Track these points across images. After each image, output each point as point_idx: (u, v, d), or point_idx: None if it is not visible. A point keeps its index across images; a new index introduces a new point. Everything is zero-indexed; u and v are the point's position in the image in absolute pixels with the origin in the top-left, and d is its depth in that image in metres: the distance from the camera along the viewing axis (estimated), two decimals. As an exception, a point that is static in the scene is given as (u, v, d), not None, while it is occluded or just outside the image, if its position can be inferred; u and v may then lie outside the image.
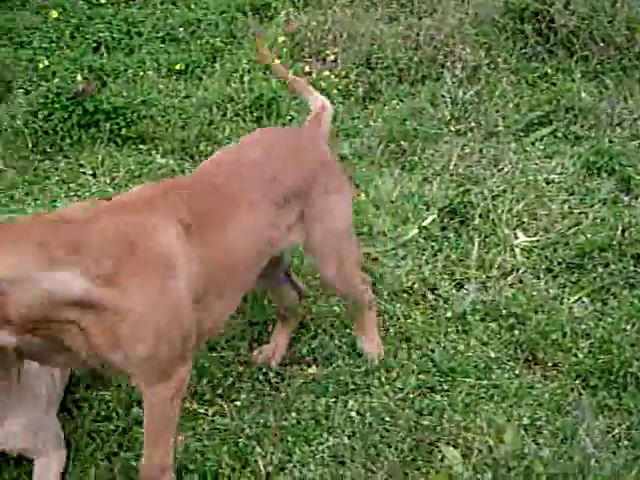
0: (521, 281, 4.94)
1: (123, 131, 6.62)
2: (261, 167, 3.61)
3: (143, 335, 3.00)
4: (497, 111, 6.82)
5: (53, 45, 8.07)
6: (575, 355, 4.29)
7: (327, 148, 4.00)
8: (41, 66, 7.58)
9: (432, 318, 4.58)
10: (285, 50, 7.64)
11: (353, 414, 3.85)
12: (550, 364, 4.30)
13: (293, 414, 3.86)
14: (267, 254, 3.65)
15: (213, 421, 3.90)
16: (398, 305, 4.60)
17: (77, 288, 2.86)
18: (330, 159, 3.96)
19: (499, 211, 5.57)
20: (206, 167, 3.74)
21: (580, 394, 4.05)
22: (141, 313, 2.99)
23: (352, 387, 4.04)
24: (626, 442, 3.71)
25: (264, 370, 4.19)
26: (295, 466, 3.59)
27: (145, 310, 2.99)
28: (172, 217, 3.17)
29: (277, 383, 4.13)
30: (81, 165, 6.41)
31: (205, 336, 3.48)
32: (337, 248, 3.94)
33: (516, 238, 5.33)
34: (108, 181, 6.19)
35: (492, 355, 4.30)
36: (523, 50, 7.66)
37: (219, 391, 4.08)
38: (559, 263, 5.08)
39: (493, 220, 5.47)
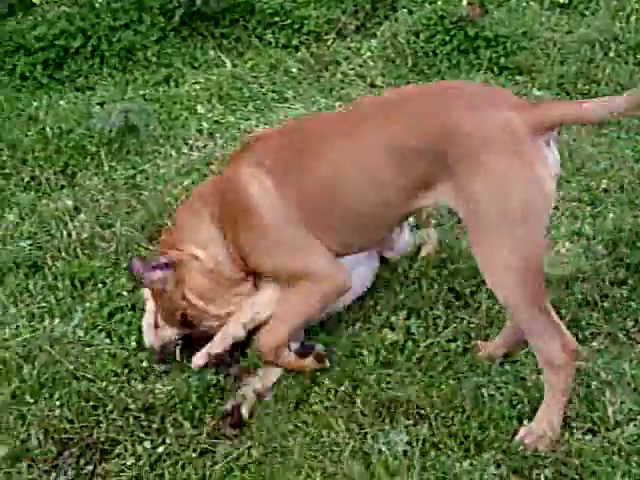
0: None
1: (502, 60, 6.61)
2: (399, 112, 3.51)
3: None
4: None
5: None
6: None
7: (496, 124, 3.31)
8: (428, -12, 7.71)
9: None
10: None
11: None
12: None
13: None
14: (392, 203, 3.58)
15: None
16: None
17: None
18: (493, 135, 3.29)
19: None
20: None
21: None
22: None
23: None
24: None
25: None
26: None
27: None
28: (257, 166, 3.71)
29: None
30: (456, 90, 6.47)
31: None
32: (483, 235, 3.35)
33: None
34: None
35: None
36: None
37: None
38: None
39: None
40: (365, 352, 3.91)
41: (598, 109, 3.24)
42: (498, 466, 3.42)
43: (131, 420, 3.69)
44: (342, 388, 3.74)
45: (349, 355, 3.92)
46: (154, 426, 3.66)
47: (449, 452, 3.48)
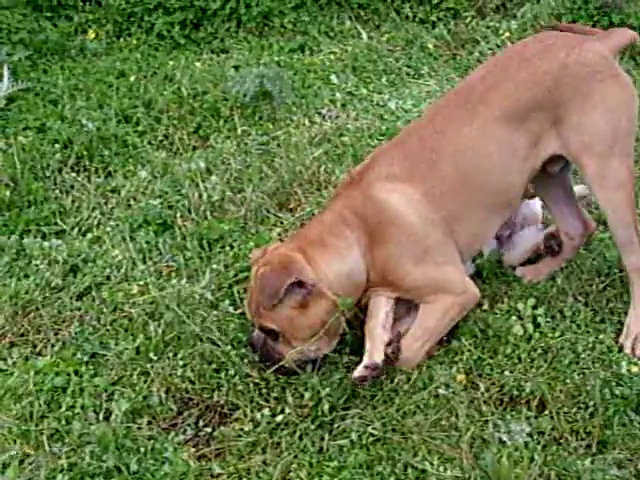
0: None
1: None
2: (488, 85, 3.79)
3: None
4: None
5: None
6: None
7: (594, 55, 3.76)
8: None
9: None
10: None
11: None
12: None
13: None
14: (514, 168, 3.77)
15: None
16: None
17: None
18: (596, 64, 3.73)
19: None
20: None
21: None
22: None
23: None
24: None
25: None
26: None
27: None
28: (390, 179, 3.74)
29: None
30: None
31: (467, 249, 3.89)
32: (597, 157, 3.73)
33: None
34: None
35: None
36: None
37: None
38: None
39: None
40: (491, 340, 3.84)
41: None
42: (620, 467, 3.33)
43: (251, 386, 3.70)
44: (465, 375, 3.68)
45: (475, 343, 3.84)
46: (273, 394, 3.67)
47: (570, 448, 3.40)
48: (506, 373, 3.70)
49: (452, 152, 3.74)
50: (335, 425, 3.52)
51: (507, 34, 6.79)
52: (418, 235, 3.69)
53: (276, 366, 3.67)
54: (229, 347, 3.83)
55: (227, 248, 4.48)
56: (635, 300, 3.89)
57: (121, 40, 7.14)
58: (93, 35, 7.17)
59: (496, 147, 3.73)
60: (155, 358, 3.80)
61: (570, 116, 3.70)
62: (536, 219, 4.40)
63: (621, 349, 3.80)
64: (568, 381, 3.64)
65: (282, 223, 4.73)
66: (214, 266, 4.34)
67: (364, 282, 3.75)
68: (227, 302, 4.11)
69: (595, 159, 3.70)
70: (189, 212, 4.78)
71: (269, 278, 3.58)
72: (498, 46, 6.62)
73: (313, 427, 3.52)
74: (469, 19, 7.12)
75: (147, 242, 4.55)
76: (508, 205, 3.89)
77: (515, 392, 3.62)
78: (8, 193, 4.94)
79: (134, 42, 7.04)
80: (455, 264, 3.79)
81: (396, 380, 3.68)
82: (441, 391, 3.62)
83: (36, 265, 4.40)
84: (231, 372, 3.74)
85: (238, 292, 4.17)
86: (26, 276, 4.35)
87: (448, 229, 3.73)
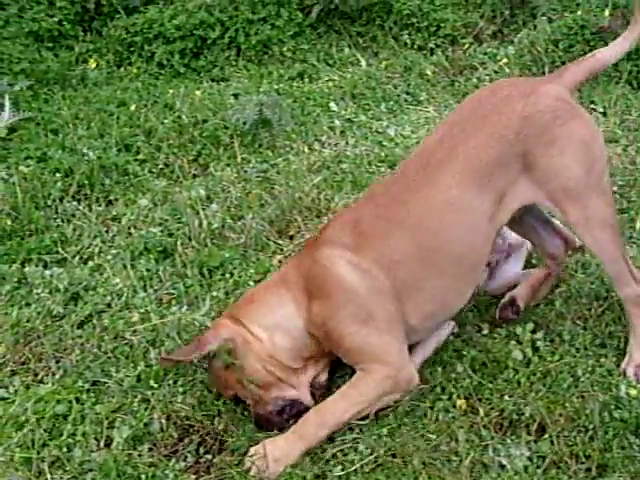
0: None
1: (643, 74, 6.47)
2: (452, 144, 3.65)
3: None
4: None
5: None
6: None
7: (554, 98, 3.62)
8: (567, -4, 7.59)
9: None
10: None
11: None
12: None
13: None
14: (483, 229, 3.66)
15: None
16: None
17: None
18: (554, 108, 3.59)
19: None
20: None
21: None
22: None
23: None
24: None
25: None
26: None
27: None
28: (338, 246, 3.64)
29: None
30: (593, 102, 6.35)
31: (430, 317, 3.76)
32: (576, 201, 3.62)
33: None
34: (618, 122, 6.09)
35: None
36: None
37: None
38: None
39: None
40: (490, 365, 3.85)
41: (611, 52, 3.77)
42: (621, 491, 3.34)
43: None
44: (465, 400, 3.69)
45: (474, 368, 3.85)
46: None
47: (570, 472, 3.41)
48: (505, 397, 3.70)
49: (408, 221, 3.62)
50: (334, 451, 3.52)
51: (504, 60, 6.84)
52: (362, 300, 3.57)
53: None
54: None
55: (227, 275, 4.51)
56: (636, 328, 3.86)
57: (122, 69, 7.21)
58: (94, 64, 7.23)
59: (458, 214, 3.59)
60: (156, 385, 3.81)
61: (539, 164, 3.57)
62: (521, 244, 4.39)
63: (624, 374, 3.79)
64: (567, 405, 3.64)
65: (282, 250, 4.76)
66: (214, 293, 4.36)
67: (304, 337, 3.69)
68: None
69: (575, 203, 3.59)
70: (189, 240, 4.81)
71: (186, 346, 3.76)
72: (496, 72, 6.67)
73: (312, 454, 3.52)
74: (467, 45, 7.18)
75: (148, 270, 4.57)
76: (475, 268, 3.76)
77: (515, 416, 3.62)
78: (9, 222, 4.98)
79: (134, 71, 7.11)
80: (398, 338, 3.65)
81: (397, 406, 3.68)
82: (441, 416, 3.62)
83: (37, 293, 4.42)
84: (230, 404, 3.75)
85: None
86: (27, 304, 4.38)
87: (397, 300, 3.62)
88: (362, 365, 3.61)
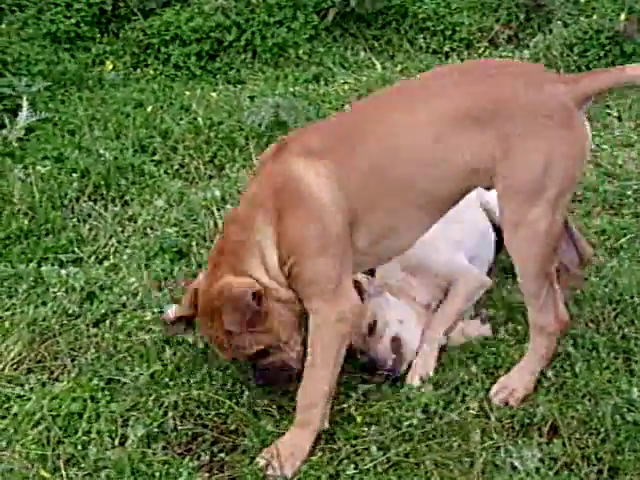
0: None
1: (658, 79, 6.46)
2: (443, 84, 3.57)
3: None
4: None
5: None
6: None
7: (555, 100, 3.46)
8: (582, 0, 7.60)
9: None
10: None
11: None
12: None
13: None
14: (447, 177, 3.54)
15: None
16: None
17: None
18: (548, 107, 3.44)
19: None
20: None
21: None
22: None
23: None
24: None
25: None
26: None
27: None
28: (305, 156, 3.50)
29: None
30: (608, 106, 6.37)
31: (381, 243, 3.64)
32: (519, 202, 3.48)
33: None
34: (633, 126, 6.11)
35: None
36: None
37: None
38: None
39: None
40: (503, 368, 3.87)
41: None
42: (632, 493, 3.35)
43: (263, 413, 3.75)
44: (478, 403, 3.71)
45: (486, 370, 3.87)
46: (284, 422, 3.69)
47: (582, 474, 3.41)
48: (518, 399, 3.71)
49: (380, 142, 3.52)
50: (348, 451, 3.53)
51: (520, 64, 6.84)
52: (325, 220, 3.47)
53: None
54: (243, 374, 3.85)
55: (242, 275, 4.51)
56: (524, 358, 3.78)
57: (138, 71, 7.27)
58: (111, 66, 7.28)
59: (419, 144, 3.51)
60: (170, 384, 3.83)
61: (508, 152, 3.44)
62: None
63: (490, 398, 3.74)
64: (579, 407, 3.64)
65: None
66: (229, 293, 4.37)
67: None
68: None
69: (515, 204, 3.48)
70: (204, 240, 4.84)
71: (231, 314, 3.48)
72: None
73: (326, 454, 3.54)
74: (482, 49, 7.21)
75: (163, 270, 4.60)
76: (431, 202, 3.62)
77: (527, 419, 3.63)
78: (27, 222, 5.02)
79: (151, 73, 7.16)
80: (347, 272, 3.56)
81: (410, 406, 3.69)
82: (454, 417, 3.63)
83: (53, 292, 4.46)
84: (244, 398, 3.76)
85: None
86: (44, 303, 4.41)
87: (350, 225, 3.52)
88: (313, 303, 3.52)
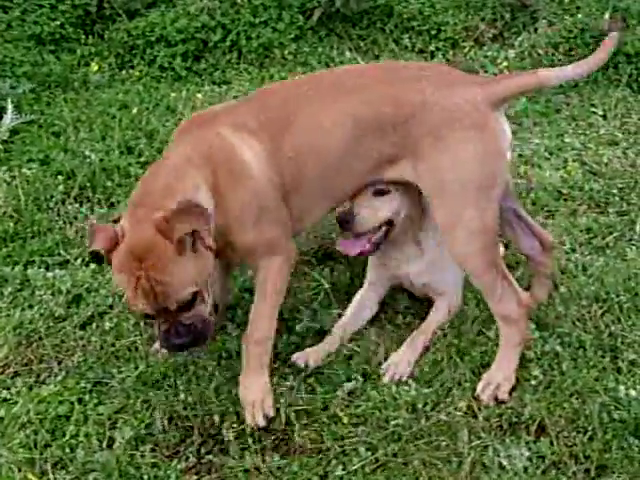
0: None
1: (642, 77, 6.51)
2: (356, 84, 3.68)
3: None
4: None
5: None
6: None
7: (467, 102, 3.55)
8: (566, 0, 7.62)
9: None
10: None
11: None
12: None
13: None
14: (355, 169, 3.70)
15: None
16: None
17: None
18: (460, 110, 3.53)
19: None
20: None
21: None
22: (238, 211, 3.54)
23: None
24: None
25: None
26: None
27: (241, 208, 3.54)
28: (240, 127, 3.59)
29: None
30: (593, 105, 6.39)
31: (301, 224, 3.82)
32: (448, 205, 3.60)
33: None
34: (618, 125, 6.13)
35: None
36: None
37: None
38: None
39: None
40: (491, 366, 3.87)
41: (554, 75, 3.59)
42: (620, 491, 3.36)
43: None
44: (466, 402, 3.72)
45: (474, 369, 3.88)
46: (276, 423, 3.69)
47: (570, 473, 3.42)
48: (505, 398, 3.72)
49: (307, 122, 3.65)
50: (337, 451, 3.54)
51: (505, 63, 6.88)
52: (258, 192, 3.57)
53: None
54: (229, 372, 3.85)
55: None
56: (500, 351, 3.83)
57: (123, 72, 7.24)
58: (96, 67, 7.25)
59: (333, 138, 3.63)
60: (157, 385, 3.83)
61: (423, 155, 3.57)
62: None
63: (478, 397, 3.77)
64: (567, 406, 3.66)
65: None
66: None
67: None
68: (230, 325, 4.17)
69: (445, 208, 3.60)
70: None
71: (185, 216, 3.34)
72: (496, 75, 6.68)
73: (314, 455, 3.54)
74: (467, 49, 7.21)
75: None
76: (338, 195, 3.83)
77: (514, 418, 3.64)
78: (12, 224, 5.01)
79: (136, 74, 7.14)
80: (286, 226, 3.72)
81: (397, 406, 3.70)
82: (442, 417, 3.64)
83: (40, 295, 4.45)
84: (230, 399, 3.76)
85: (240, 314, 4.21)
86: (30, 306, 4.40)
87: (284, 192, 3.66)
88: (259, 261, 3.69)
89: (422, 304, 4.28)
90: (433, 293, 4.21)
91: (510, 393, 3.73)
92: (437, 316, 4.12)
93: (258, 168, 3.56)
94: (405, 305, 4.33)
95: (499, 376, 3.75)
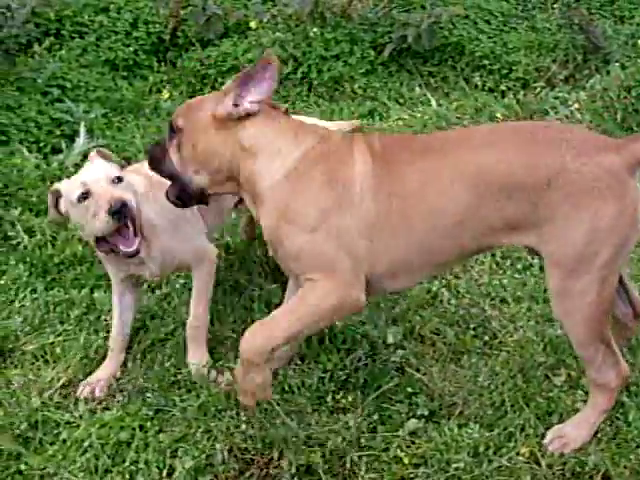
0: None
1: None
2: (484, 147, 3.45)
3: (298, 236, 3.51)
4: None
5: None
6: None
7: (600, 168, 3.32)
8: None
9: None
10: None
11: None
12: None
13: None
14: (462, 237, 3.48)
15: None
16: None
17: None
18: (599, 179, 3.31)
19: None
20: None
21: None
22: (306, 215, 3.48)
23: None
24: None
25: None
26: None
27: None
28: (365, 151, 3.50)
29: None
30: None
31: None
32: (569, 273, 3.40)
33: None
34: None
35: None
36: None
37: None
38: None
39: None
40: (555, 415, 3.82)
41: None
42: None
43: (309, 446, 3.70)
44: (529, 448, 3.66)
45: (538, 416, 3.82)
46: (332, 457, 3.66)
47: (635, 527, 3.35)
48: (569, 447, 3.66)
49: (414, 175, 3.53)
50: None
51: (576, 105, 6.81)
52: (345, 200, 3.49)
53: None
54: (291, 405, 3.84)
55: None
56: (584, 411, 3.73)
57: (194, 101, 7.30)
58: (167, 95, 7.35)
59: (447, 198, 3.49)
60: (219, 415, 3.82)
61: (554, 223, 3.36)
62: None
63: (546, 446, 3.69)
64: (632, 457, 3.59)
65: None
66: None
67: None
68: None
69: (564, 274, 3.41)
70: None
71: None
72: (567, 117, 6.64)
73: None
74: (538, 89, 7.18)
75: (215, 302, 4.59)
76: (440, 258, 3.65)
77: (578, 468, 3.57)
78: (80, 248, 5.06)
79: (208, 103, 7.19)
80: (353, 258, 3.50)
81: (459, 449, 3.65)
82: (504, 462, 3.59)
83: (105, 319, 4.49)
84: (292, 432, 3.74)
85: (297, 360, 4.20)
86: (95, 330, 4.44)
87: (373, 229, 3.51)
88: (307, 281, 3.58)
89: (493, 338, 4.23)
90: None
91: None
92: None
93: (359, 181, 3.49)
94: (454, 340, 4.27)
95: (573, 434, 3.66)
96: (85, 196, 3.85)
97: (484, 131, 3.71)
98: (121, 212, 3.78)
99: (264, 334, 3.51)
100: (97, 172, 3.96)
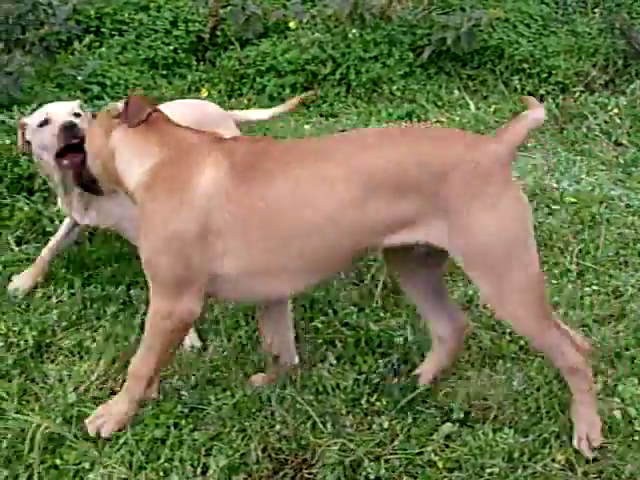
0: None
1: None
2: (370, 147, 3.43)
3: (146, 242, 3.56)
4: None
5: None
6: None
7: (491, 156, 3.34)
8: (682, 48, 7.51)
9: None
10: None
11: None
12: None
13: None
14: (348, 237, 3.43)
15: None
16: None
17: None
18: (488, 167, 3.33)
19: None
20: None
21: None
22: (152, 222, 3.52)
23: None
24: None
25: None
26: None
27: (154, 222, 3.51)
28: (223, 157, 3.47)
29: None
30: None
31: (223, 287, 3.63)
32: (495, 271, 3.38)
33: None
34: None
35: None
36: None
37: None
38: None
39: None
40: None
41: (541, 111, 3.54)
42: None
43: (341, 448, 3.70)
44: (565, 455, 3.64)
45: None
46: (365, 461, 3.66)
47: (670, 539, 3.32)
48: (607, 454, 3.63)
49: (289, 180, 3.49)
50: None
51: (615, 110, 6.78)
52: (193, 210, 3.54)
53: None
54: (325, 407, 3.84)
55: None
56: (576, 401, 3.68)
57: (232, 100, 7.34)
58: (206, 93, 7.37)
59: (332, 202, 3.45)
60: (253, 415, 3.83)
61: (457, 217, 3.35)
62: None
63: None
64: (669, 466, 3.56)
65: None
66: (315, 328, 4.38)
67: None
68: (323, 365, 4.15)
69: (490, 275, 3.40)
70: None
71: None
72: (606, 122, 6.60)
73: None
74: (577, 94, 7.14)
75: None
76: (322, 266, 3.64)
77: (615, 476, 3.54)
78: (118, 245, 5.09)
79: (245, 102, 7.23)
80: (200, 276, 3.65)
81: (494, 454, 3.64)
82: (539, 468, 3.57)
83: (141, 316, 4.50)
84: (326, 433, 3.74)
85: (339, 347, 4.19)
86: (131, 326, 4.46)
87: (232, 239, 3.58)
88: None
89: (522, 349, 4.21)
90: None
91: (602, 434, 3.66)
92: None
93: (207, 193, 3.48)
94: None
95: (584, 426, 3.65)
96: (45, 123, 4.31)
97: (372, 133, 3.81)
98: (72, 130, 4.20)
99: (134, 375, 3.80)
100: (60, 106, 4.44)
